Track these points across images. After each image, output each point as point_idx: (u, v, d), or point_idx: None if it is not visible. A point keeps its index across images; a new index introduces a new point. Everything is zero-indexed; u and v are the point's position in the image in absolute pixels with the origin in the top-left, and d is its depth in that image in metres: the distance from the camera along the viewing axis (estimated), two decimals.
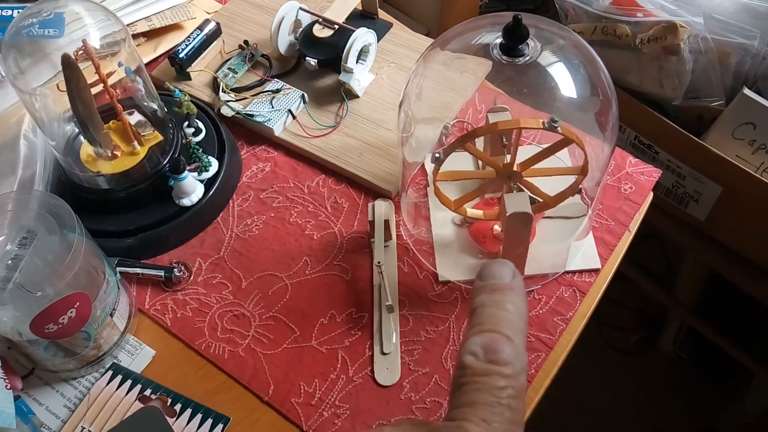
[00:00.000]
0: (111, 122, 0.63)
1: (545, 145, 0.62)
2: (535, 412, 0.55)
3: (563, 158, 0.65)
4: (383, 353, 0.57)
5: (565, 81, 0.51)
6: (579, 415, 1.28)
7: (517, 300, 0.31)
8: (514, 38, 0.48)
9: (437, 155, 0.52)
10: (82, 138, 0.64)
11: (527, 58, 0.49)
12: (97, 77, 0.57)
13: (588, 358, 1.33)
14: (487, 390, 0.27)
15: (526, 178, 0.54)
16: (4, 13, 0.69)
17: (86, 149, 0.63)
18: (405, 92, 0.56)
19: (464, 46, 0.55)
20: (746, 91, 0.80)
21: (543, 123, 0.49)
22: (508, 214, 0.51)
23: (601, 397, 1.31)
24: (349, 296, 0.60)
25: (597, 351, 1.36)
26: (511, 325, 0.29)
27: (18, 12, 0.70)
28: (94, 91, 0.58)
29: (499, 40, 0.50)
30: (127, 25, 0.74)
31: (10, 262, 0.50)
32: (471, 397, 0.27)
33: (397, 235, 0.63)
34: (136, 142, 0.62)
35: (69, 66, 0.53)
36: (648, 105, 0.87)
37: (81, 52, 0.56)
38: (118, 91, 0.60)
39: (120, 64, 0.57)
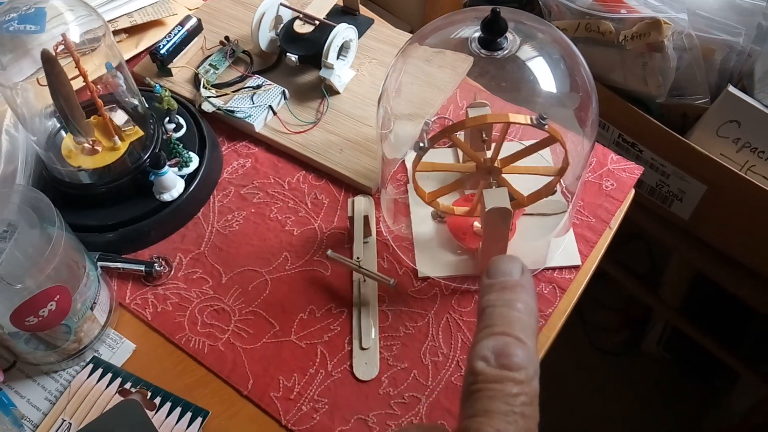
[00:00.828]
0: (92, 117, 0.63)
1: (527, 142, 0.63)
2: None
3: (544, 154, 0.65)
4: (362, 348, 0.57)
5: (544, 76, 0.51)
6: (563, 416, 1.28)
7: (527, 298, 0.30)
8: (493, 31, 0.48)
9: (421, 145, 0.52)
10: (63, 133, 0.63)
11: (506, 52, 0.49)
12: (77, 72, 0.57)
13: (572, 359, 1.33)
14: (500, 398, 0.27)
15: (503, 175, 0.55)
16: None
17: (67, 144, 0.63)
18: (384, 88, 0.57)
19: (443, 40, 0.55)
20: (731, 88, 0.80)
21: (531, 119, 0.49)
22: (487, 210, 0.52)
23: (585, 398, 1.31)
24: (328, 292, 0.60)
25: (581, 352, 1.36)
26: (523, 325, 0.29)
27: None
28: (75, 86, 0.58)
29: (477, 34, 0.50)
30: (109, 21, 0.74)
31: None
32: (485, 405, 0.27)
33: (377, 231, 0.63)
34: (116, 137, 0.62)
35: (48, 61, 0.53)
36: (632, 103, 0.88)
37: (61, 47, 0.56)
38: (98, 86, 0.60)
39: (106, 64, 0.57)
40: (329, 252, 0.58)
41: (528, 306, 0.29)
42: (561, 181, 0.57)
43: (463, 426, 0.27)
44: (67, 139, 0.63)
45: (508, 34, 0.50)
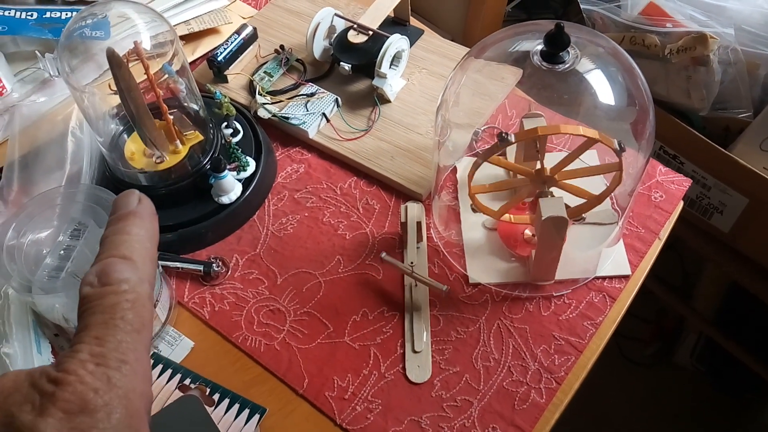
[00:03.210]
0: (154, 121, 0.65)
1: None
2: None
3: (592, 162, 0.66)
4: (414, 351, 0.58)
5: (602, 89, 0.53)
6: (593, 427, 1.28)
7: (141, 222, 0.31)
8: (556, 45, 0.50)
9: (504, 135, 0.51)
10: (125, 135, 0.66)
11: (567, 66, 0.51)
12: (144, 77, 0.59)
13: (603, 369, 1.32)
14: (100, 311, 0.28)
15: (564, 181, 0.56)
16: (53, 15, 0.72)
17: (130, 147, 0.65)
18: (443, 98, 0.58)
19: (500, 53, 0.57)
20: None
21: (618, 143, 0.51)
22: (543, 218, 0.53)
23: (615, 409, 1.31)
24: (380, 295, 0.62)
25: (612, 362, 1.36)
26: (129, 245, 0.30)
27: (66, 13, 0.73)
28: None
29: (539, 47, 0.51)
30: None
31: (62, 252, 0.52)
32: (85, 321, 0.28)
33: (427, 237, 0.65)
34: (178, 141, 0.64)
35: (114, 62, 0.55)
36: (674, 115, 0.88)
37: (133, 55, 0.58)
38: (161, 91, 0.62)
39: (168, 66, 0.59)
40: (383, 254, 0.60)
41: (141, 229, 0.31)
42: (612, 194, 0.58)
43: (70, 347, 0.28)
44: (130, 142, 0.65)
45: (569, 49, 0.51)
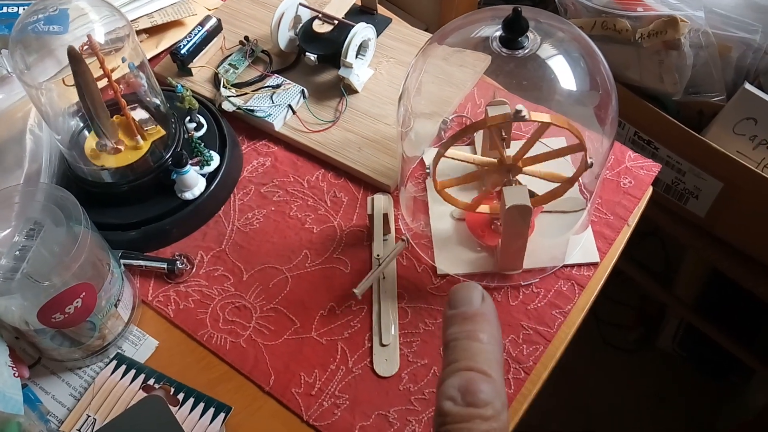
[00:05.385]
0: (114, 117, 0.63)
1: (546, 140, 0.63)
2: (534, 408, 0.56)
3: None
4: (382, 345, 0.57)
5: (564, 74, 0.52)
6: (577, 413, 1.28)
7: (488, 327, 0.29)
8: (514, 30, 0.49)
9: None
10: (86, 132, 0.64)
11: (527, 51, 0.50)
12: (101, 72, 0.58)
13: (587, 356, 1.33)
14: None
15: (528, 167, 0.55)
16: (9, 10, 0.70)
17: (90, 143, 0.64)
18: (404, 87, 0.57)
19: (463, 39, 0.56)
20: (747, 86, 0.80)
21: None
22: (507, 207, 0.52)
23: (599, 395, 1.31)
24: (348, 289, 0.61)
25: (596, 349, 1.36)
26: (486, 357, 0.28)
27: (23, 9, 0.71)
28: (98, 86, 0.59)
29: (498, 33, 0.50)
30: (130, 21, 0.75)
31: (17, 252, 0.51)
32: None
33: (396, 228, 0.64)
34: (139, 137, 0.63)
35: (74, 58, 0.54)
36: (648, 100, 0.88)
37: (86, 47, 0.56)
38: (121, 86, 0.61)
39: (123, 60, 0.58)
40: (355, 290, 0.57)
41: (491, 336, 0.29)
42: (580, 179, 0.57)
43: None
44: (90, 139, 0.64)
45: (529, 33, 0.50)
